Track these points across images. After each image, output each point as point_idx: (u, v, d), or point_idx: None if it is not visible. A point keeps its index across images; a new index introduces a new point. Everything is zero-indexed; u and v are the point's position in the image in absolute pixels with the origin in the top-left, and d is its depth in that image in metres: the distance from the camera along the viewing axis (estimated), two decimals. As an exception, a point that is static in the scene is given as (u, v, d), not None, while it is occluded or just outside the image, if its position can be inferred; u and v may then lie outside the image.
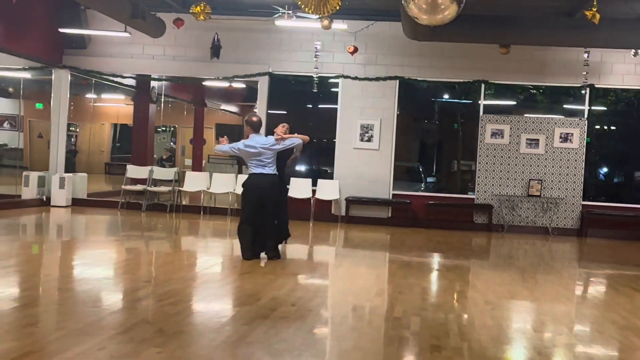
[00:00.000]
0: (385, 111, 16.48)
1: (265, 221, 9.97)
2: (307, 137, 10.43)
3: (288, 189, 11.87)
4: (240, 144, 9.97)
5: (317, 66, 16.31)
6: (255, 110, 16.88)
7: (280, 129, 10.34)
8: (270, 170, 9.92)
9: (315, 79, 16.48)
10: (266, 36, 16.59)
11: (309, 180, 16.52)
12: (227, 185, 16.64)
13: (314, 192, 16.26)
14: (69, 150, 21.08)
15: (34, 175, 16.79)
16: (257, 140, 9.94)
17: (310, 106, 20.41)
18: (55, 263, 10.02)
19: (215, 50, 16.07)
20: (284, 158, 10.41)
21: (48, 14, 16.14)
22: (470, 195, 16.64)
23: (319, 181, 16.58)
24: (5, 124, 23.61)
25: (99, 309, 6.87)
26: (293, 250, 12.39)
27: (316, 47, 16.27)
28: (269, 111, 16.94)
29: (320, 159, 21.25)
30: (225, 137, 10.36)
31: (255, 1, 15.01)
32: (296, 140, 10.20)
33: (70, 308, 6.80)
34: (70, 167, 19.03)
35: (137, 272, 9.39)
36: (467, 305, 7.80)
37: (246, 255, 10.04)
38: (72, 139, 24.90)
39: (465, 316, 7.33)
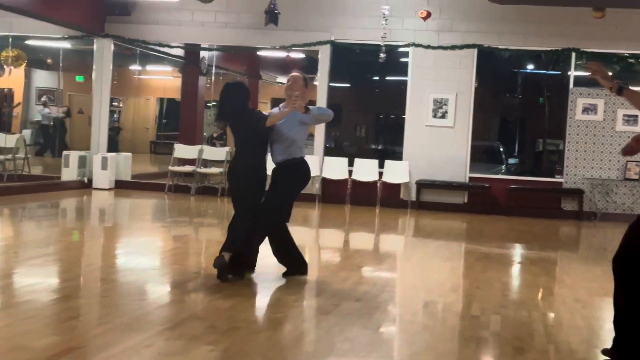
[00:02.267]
0: (462, 84, 16.30)
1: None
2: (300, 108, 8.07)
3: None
4: None
5: (384, 33, 16.15)
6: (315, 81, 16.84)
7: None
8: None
9: (383, 47, 16.35)
10: (328, 0, 16.55)
11: (375, 162, 16.46)
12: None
13: (380, 174, 16.20)
14: (111, 128, 21.40)
15: (74, 155, 17.12)
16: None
17: (377, 78, 20.37)
18: (97, 251, 10.20)
19: (272, 16, 16.01)
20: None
21: (89, -23, 16.36)
22: (557, 179, 16.39)
23: (386, 162, 16.51)
24: (44, 99, 24.09)
25: (145, 302, 6.96)
26: (357, 239, 12.43)
27: (384, 12, 16.08)
28: (330, 84, 16.93)
29: (388, 137, 21.20)
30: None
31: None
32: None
33: (114, 301, 6.90)
34: (113, 146, 19.27)
35: (186, 262, 9.46)
36: (554, 303, 7.70)
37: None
38: (115, 115, 25.21)
39: (552, 315, 7.24)
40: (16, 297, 6.91)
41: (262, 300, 7.43)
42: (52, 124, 23.53)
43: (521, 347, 5.85)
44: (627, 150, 5.68)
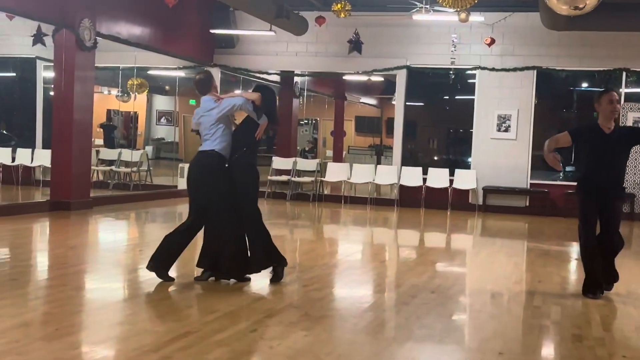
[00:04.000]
0: (523, 101, 16.03)
1: (209, 222, 7.15)
2: (252, 95, 7.12)
3: (253, 178, 7.39)
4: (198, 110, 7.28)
5: (453, 58, 16.05)
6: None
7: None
8: (210, 145, 7.02)
9: (452, 71, 16.24)
10: (404, 30, 16.46)
11: (446, 170, 16.29)
12: (367, 175, 16.66)
13: (451, 181, 16.01)
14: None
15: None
16: (202, 105, 7.21)
17: (447, 97, 20.16)
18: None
19: (356, 45, 16.12)
20: (248, 131, 7.23)
21: (200, 16, 16.60)
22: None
23: (456, 171, 16.32)
24: (163, 120, 24.64)
25: (248, 293, 7.03)
26: (431, 239, 12.31)
27: (453, 40, 16.00)
28: (407, 103, 16.85)
29: (457, 149, 20.97)
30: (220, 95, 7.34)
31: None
32: (231, 101, 7.07)
33: (223, 292, 6.96)
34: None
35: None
36: (609, 295, 7.47)
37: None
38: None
39: (607, 306, 7.03)
40: (141, 288, 7.05)
41: (348, 292, 7.42)
42: (167, 139, 24.10)
43: (579, 335, 5.70)
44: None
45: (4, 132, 17.41)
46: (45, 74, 16.86)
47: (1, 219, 11.16)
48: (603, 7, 9.91)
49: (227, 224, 7.08)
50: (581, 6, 7.76)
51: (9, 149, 16.52)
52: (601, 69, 15.74)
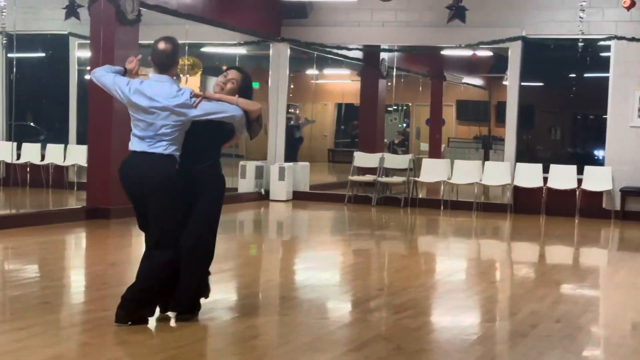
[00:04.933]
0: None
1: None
2: (255, 106, 6.58)
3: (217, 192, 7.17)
4: (124, 83, 6.43)
5: (582, 26, 15.75)
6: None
7: (220, 80, 6.71)
8: (160, 148, 6.29)
9: (580, 42, 15.95)
10: (519, -7, 16.30)
11: (573, 168, 16.01)
12: (472, 174, 16.51)
13: (579, 181, 15.73)
14: (291, 138, 21.76)
15: (251, 166, 17.56)
16: (156, 86, 6.34)
17: (574, 75, 19.79)
18: (276, 266, 10.41)
19: (457, 12, 15.91)
20: (216, 137, 6.72)
21: (264, -20, 16.75)
22: None
23: (586, 168, 16.00)
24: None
25: (327, 320, 7.03)
26: (554, 253, 12.12)
27: (581, 4, 15.72)
28: (522, 83, 16.61)
29: (587, 140, 20.55)
30: (139, 56, 6.90)
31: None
32: (227, 108, 6.38)
33: (294, 319, 7.00)
34: (291, 154, 19.58)
35: (368, 278, 9.51)
36: None
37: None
38: (291, 122, 25.72)
39: None
40: (199, 314, 7.14)
41: (451, 321, 7.35)
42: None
43: None
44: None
45: (31, 124, 17.84)
46: (79, 53, 17.16)
47: (30, 230, 11.46)
48: None
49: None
50: None
51: (38, 145, 16.88)
52: None
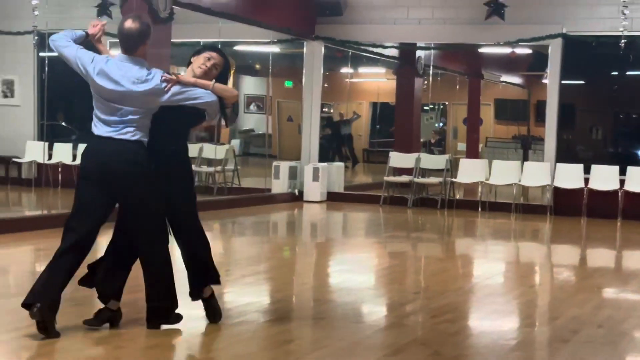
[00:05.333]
0: None
1: (125, 232, 6.31)
2: (232, 92, 6.46)
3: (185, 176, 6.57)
4: (89, 60, 6.12)
5: (624, 23, 15.61)
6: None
7: (200, 61, 6.27)
8: (127, 134, 5.94)
9: (623, 39, 15.80)
10: (559, -11, 16.19)
11: (615, 168, 15.86)
12: (511, 174, 16.41)
13: (621, 182, 15.58)
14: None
15: (284, 166, 17.57)
16: (122, 68, 6.02)
17: (616, 74, 19.64)
18: (309, 269, 10.39)
19: (496, 8, 15.88)
20: (187, 120, 6.45)
21: (298, -24, 16.77)
22: None
23: (629, 169, 15.85)
24: (252, 107, 24.91)
25: (363, 325, 7.01)
26: (595, 256, 12.01)
27: (624, 0, 15.58)
28: (562, 81, 16.49)
29: (630, 140, 20.37)
30: (104, 21, 6.59)
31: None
32: (201, 94, 6.06)
33: (329, 323, 6.97)
34: (324, 155, 19.55)
35: (405, 281, 9.50)
36: None
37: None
38: (325, 122, 25.71)
39: None
40: (231, 317, 7.10)
41: (489, 326, 7.31)
42: (258, 131, 24.47)
43: None
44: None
45: (63, 124, 17.96)
46: (111, 51, 17.21)
47: (61, 231, 11.52)
48: None
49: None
50: None
51: (69, 145, 16.99)
52: None
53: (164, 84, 5.88)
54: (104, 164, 5.91)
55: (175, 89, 5.92)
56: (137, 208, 6.07)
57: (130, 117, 5.89)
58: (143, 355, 5.74)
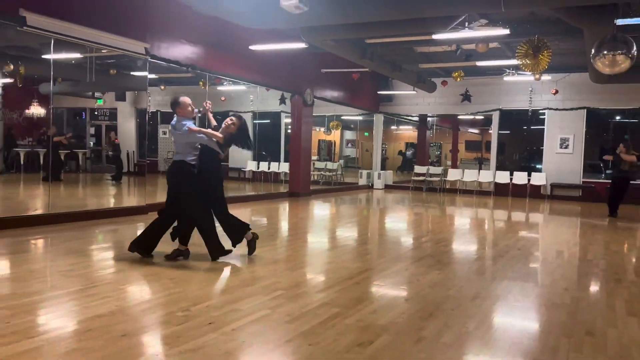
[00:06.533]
0: (577, 129, 14.61)
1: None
2: (216, 136, 5.12)
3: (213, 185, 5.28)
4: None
5: (530, 102, 14.97)
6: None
7: (228, 122, 5.35)
8: (176, 157, 5.19)
9: (529, 111, 15.14)
10: (498, 87, 15.56)
11: (525, 173, 15.13)
12: (473, 176, 15.94)
13: (529, 180, 14.91)
14: (382, 159, 21.50)
15: (364, 172, 17.50)
16: (174, 121, 5.21)
17: (525, 127, 18.88)
18: (376, 219, 10.29)
19: (466, 97, 15.52)
20: (206, 150, 5.24)
21: (371, 83, 16.59)
22: None
23: (533, 174, 15.13)
24: (349, 144, 24.95)
25: (402, 246, 6.93)
26: (517, 216, 11.49)
27: (530, 90, 14.94)
28: (499, 131, 15.93)
29: (532, 160, 19.46)
30: (210, 102, 5.61)
31: (489, 66, 14.11)
32: (204, 136, 5.12)
33: (386, 245, 6.94)
34: (383, 167, 19.38)
35: (421, 226, 9.31)
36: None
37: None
38: (383, 152, 25.54)
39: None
40: (339, 243, 7.12)
41: (464, 247, 7.02)
42: (352, 156, 24.35)
43: (619, 279, 5.12)
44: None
45: (264, 153, 18.30)
46: (286, 120, 17.51)
47: (263, 202, 11.79)
48: (633, 68, 8.82)
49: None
50: (617, 69, 6.98)
51: (267, 162, 17.36)
52: (630, 107, 14.09)
53: (186, 129, 5.03)
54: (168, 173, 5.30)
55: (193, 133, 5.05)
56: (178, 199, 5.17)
57: (176, 144, 5.19)
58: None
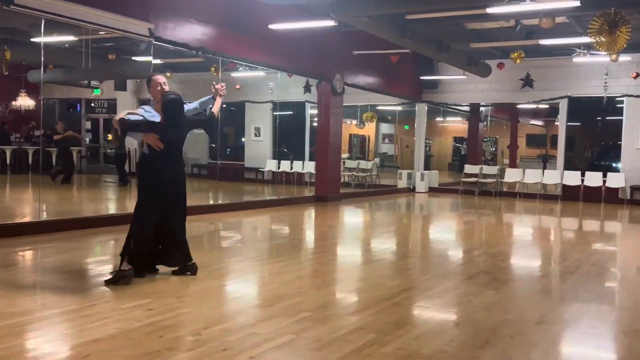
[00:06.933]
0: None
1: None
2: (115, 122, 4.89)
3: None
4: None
5: (605, 88, 14.65)
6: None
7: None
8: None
9: (604, 98, 14.82)
10: (566, 70, 15.28)
11: (599, 173, 14.78)
12: (535, 177, 15.69)
13: (604, 182, 14.56)
14: (426, 157, 21.38)
15: (404, 172, 17.44)
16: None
17: (599, 118, 18.53)
18: (418, 229, 10.27)
19: (527, 82, 15.31)
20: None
21: (413, 67, 16.51)
22: None
23: (608, 174, 14.76)
24: (386, 140, 24.92)
25: (450, 261, 6.90)
26: (589, 224, 11.25)
27: (605, 74, 14.61)
28: (568, 123, 15.64)
29: (608, 156, 19.05)
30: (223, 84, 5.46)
31: (555, 45, 13.87)
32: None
33: (431, 259, 6.92)
34: (426, 166, 19.27)
35: (473, 237, 9.23)
36: None
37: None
38: (427, 148, 25.38)
39: None
40: (375, 256, 7.15)
41: (525, 263, 6.97)
42: (389, 153, 24.35)
43: None
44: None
45: (285, 150, 18.41)
46: (311, 111, 17.58)
47: (285, 207, 11.87)
48: None
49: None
50: None
51: (288, 161, 17.45)
52: None
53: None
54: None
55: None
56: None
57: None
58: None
